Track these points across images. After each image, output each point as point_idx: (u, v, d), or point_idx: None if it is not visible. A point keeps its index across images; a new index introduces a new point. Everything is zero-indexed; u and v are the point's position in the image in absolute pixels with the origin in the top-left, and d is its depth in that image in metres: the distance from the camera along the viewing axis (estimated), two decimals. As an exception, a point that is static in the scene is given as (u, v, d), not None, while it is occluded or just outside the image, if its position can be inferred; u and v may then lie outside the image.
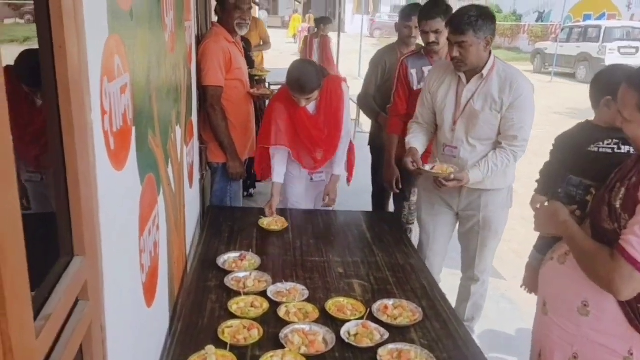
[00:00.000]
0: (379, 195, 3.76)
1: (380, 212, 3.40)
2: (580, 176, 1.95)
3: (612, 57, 14.72)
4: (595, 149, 2.28)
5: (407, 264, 2.42)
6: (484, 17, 2.33)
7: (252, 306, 1.95)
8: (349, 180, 3.19)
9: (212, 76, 2.89)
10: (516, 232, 4.70)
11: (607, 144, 1.92)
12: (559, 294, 1.70)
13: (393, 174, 3.16)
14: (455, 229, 2.85)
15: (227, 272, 2.19)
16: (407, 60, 3.08)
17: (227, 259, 2.33)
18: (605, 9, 19.98)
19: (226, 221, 2.80)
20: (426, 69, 2.99)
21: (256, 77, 4.52)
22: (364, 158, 3.88)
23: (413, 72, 3.05)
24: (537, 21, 23.64)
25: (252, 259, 2.34)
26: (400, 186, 3.20)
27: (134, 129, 1.31)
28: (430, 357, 1.69)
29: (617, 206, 1.49)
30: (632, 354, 1.52)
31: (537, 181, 2.88)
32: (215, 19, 3.28)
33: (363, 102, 3.66)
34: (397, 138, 3.11)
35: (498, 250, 2.92)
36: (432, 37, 2.91)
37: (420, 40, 3.28)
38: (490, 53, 2.45)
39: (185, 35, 2.45)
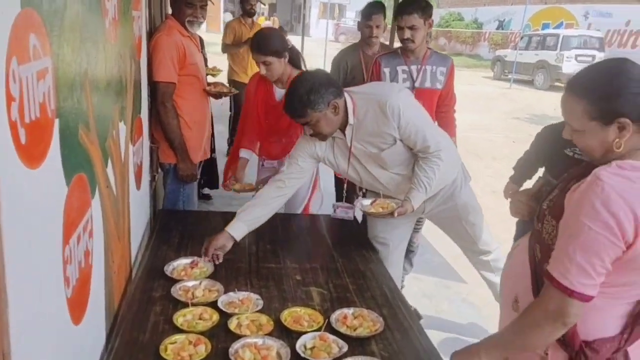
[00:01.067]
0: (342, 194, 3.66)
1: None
2: (553, 175, 1.89)
3: (570, 64, 15.15)
4: (571, 153, 2.24)
5: (368, 270, 2.31)
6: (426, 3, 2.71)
7: (200, 318, 1.80)
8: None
9: (164, 71, 2.71)
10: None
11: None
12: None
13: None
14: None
15: (175, 281, 2.03)
16: (382, 58, 2.97)
17: (175, 266, 2.16)
18: (562, 18, 20.59)
19: (177, 226, 2.63)
20: (400, 69, 2.89)
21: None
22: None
23: (386, 70, 2.93)
24: (497, 29, 24.18)
25: (204, 266, 2.17)
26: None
27: (57, 121, 1.15)
28: None
29: (544, 207, 1.43)
30: (547, 354, 1.41)
31: (514, 168, 2.80)
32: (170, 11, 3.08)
33: None
34: None
35: (459, 253, 2.85)
36: (408, 34, 2.77)
37: (384, 40, 3.23)
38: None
39: (134, 26, 2.27)
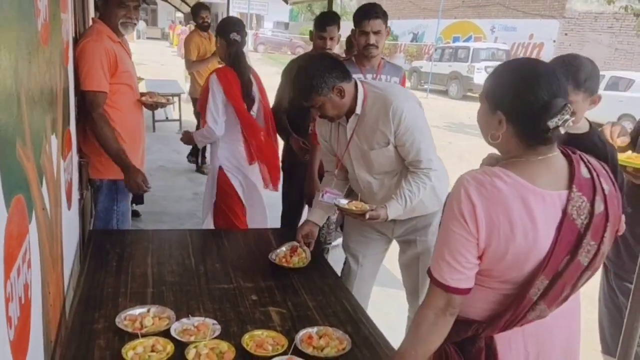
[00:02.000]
0: (289, 214, 3.55)
1: (292, 229, 3.16)
2: None
3: (480, 75, 16.04)
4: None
5: (325, 285, 2.23)
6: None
7: (152, 350, 1.63)
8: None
9: (93, 80, 2.49)
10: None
11: None
12: None
13: (315, 187, 2.96)
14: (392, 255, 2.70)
15: (117, 312, 1.83)
16: None
17: (278, 252, 2.41)
18: (471, 32, 21.82)
19: (114, 248, 2.41)
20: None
21: None
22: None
23: None
24: (412, 41, 25.14)
25: (303, 252, 2.40)
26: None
27: (-5, 135, 0.97)
28: None
29: None
30: None
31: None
32: (94, 15, 2.85)
33: (279, 119, 3.43)
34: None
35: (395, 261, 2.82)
36: (373, 39, 2.69)
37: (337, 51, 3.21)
38: (356, 87, 2.27)
39: (62, 29, 2.06)
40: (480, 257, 1.29)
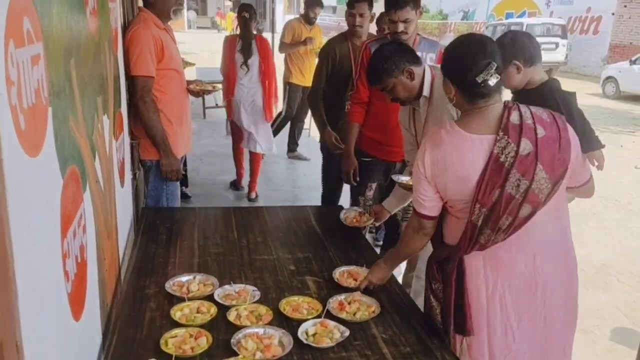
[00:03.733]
0: (329, 194, 3.65)
1: (330, 207, 3.27)
2: None
3: (534, 53, 15.40)
4: None
5: (361, 257, 2.31)
6: None
7: (198, 312, 1.77)
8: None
9: (142, 65, 2.65)
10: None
11: None
12: None
13: (352, 164, 3.05)
14: None
15: (167, 278, 1.98)
16: (371, 44, 2.94)
17: None
18: (525, 7, 20.97)
19: (163, 223, 2.58)
20: None
21: None
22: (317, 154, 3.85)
23: None
24: (462, 20, 24.48)
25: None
26: (358, 178, 3.09)
27: (50, 109, 1.10)
28: None
29: None
30: None
31: None
32: (141, 4, 3.01)
33: (312, 103, 3.56)
34: (357, 127, 3.00)
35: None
36: (401, 27, 2.76)
37: (372, 30, 3.24)
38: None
39: (110, 18, 2.21)
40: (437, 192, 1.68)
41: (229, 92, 4.58)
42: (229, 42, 4.55)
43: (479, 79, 1.56)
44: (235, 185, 5.24)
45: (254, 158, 4.81)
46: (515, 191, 1.55)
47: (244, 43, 4.44)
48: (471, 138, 1.59)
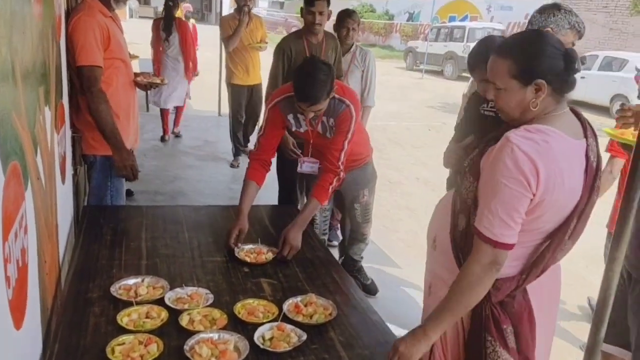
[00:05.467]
0: (286, 195, 3.54)
1: (282, 206, 3.20)
2: (477, 134, 2.05)
3: (475, 56, 15.92)
4: (482, 111, 2.40)
5: (316, 258, 2.28)
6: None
7: (147, 317, 1.68)
8: None
9: (88, 54, 2.49)
10: (403, 223, 4.81)
11: (490, 107, 2.08)
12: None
13: (287, 141, 3.11)
14: None
15: (112, 281, 1.87)
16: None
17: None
18: (467, 11, 21.66)
19: (107, 223, 2.44)
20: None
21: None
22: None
23: None
24: (407, 21, 24.97)
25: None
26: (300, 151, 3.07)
27: (-10, 100, 1.00)
28: None
29: (465, 165, 1.58)
30: None
31: (454, 128, 2.90)
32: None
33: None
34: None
35: (387, 240, 2.91)
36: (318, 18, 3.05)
37: (328, 28, 3.26)
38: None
39: (54, 3, 2.06)
40: (526, 212, 1.39)
41: (156, 61, 6.10)
42: (155, 23, 6.15)
43: (578, 65, 1.42)
44: (162, 138, 6.62)
45: (178, 110, 6.76)
46: (596, 196, 1.47)
47: (166, 23, 5.98)
48: (574, 143, 1.43)
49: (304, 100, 2.25)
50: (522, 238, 1.43)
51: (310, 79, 2.20)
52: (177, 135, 6.85)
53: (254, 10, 5.78)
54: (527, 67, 1.41)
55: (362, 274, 3.44)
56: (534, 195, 1.36)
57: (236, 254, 2.18)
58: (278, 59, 3.33)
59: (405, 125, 9.38)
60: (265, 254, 2.23)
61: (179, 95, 6.32)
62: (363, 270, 3.46)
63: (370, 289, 3.40)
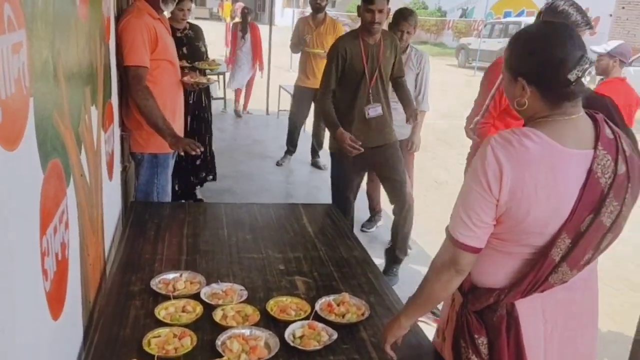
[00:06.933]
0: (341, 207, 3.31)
1: (321, 205, 3.18)
2: None
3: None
4: None
5: (352, 257, 2.27)
6: None
7: (183, 311, 1.73)
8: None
9: (135, 55, 2.59)
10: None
11: None
12: None
13: (344, 137, 3.06)
14: None
15: (153, 275, 1.94)
16: None
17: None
18: (524, 6, 20.93)
19: (152, 218, 2.53)
20: None
21: (205, 70, 3.98)
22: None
23: None
24: (460, 17, 24.44)
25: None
26: (360, 143, 3.03)
27: (31, 100, 1.06)
28: None
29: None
30: (453, 299, 1.54)
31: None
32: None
33: (322, 106, 3.21)
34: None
35: (433, 243, 2.86)
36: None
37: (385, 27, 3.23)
38: None
39: (102, 6, 2.15)
40: (498, 219, 1.31)
41: (232, 54, 7.91)
42: (235, 25, 7.92)
43: (572, 76, 1.24)
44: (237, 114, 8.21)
45: (247, 92, 8.26)
46: (606, 218, 1.28)
47: (243, 26, 7.71)
48: (569, 154, 1.27)
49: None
50: (504, 247, 1.36)
51: None
52: (248, 113, 8.41)
53: (332, 14, 5.84)
54: (513, 60, 1.34)
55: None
56: (497, 200, 1.28)
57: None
58: (332, 61, 3.13)
59: (456, 123, 9.18)
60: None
61: (247, 80, 8.09)
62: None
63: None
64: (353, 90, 3.14)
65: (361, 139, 3.07)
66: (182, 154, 2.73)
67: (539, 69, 1.28)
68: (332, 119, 3.15)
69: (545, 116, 1.31)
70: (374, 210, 4.42)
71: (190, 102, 3.96)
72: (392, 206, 3.40)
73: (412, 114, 3.18)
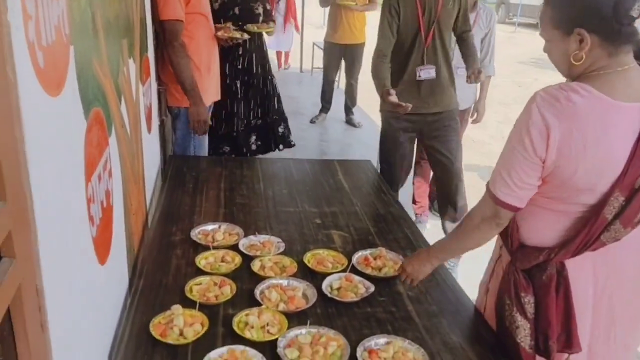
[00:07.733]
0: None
1: (357, 161, 3.10)
2: None
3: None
4: None
5: (388, 213, 2.27)
6: None
7: (222, 261, 1.77)
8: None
9: (170, 9, 2.56)
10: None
11: None
12: None
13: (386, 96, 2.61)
14: None
15: (192, 226, 1.98)
16: None
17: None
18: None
19: (190, 171, 2.57)
20: None
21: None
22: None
23: None
24: (502, -30, 23.33)
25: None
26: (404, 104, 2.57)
27: (72, 47, 1.06)
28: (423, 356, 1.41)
29: None
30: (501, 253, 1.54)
31: None
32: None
33: (375, 71, 2.79)
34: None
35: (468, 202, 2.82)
36: None
37: None
38: None
39: (137, -42, 2.13)
40: (544, 179, 1.28)
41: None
42: None
43: (635, 12, 1.17)
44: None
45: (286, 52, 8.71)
46: None
47: None
48: (619, 107, 1.20)
49: None
50: (554, 206, 1.33)
51: None
52: (286, 68, 8.79)
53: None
54: (564, 15, 1.25)
55: None
56: (543, 160, 1.24)
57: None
58: (384, 16, 2.79)
59: (493, 81, 8.89)
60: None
61: (286, 41, 8.22)
62: None
63: None
64: (407, 49, 2.79)
65: (409, 102, 2.59)
66: (191, 126, 2.80)
67: (599, 14, 1.20)
68: (380, 81, 2.74)
69: (596, 69, 1.24)
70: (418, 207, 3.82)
71: (239, 66, 3.54)
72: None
73: (474, 72, 2.75)
